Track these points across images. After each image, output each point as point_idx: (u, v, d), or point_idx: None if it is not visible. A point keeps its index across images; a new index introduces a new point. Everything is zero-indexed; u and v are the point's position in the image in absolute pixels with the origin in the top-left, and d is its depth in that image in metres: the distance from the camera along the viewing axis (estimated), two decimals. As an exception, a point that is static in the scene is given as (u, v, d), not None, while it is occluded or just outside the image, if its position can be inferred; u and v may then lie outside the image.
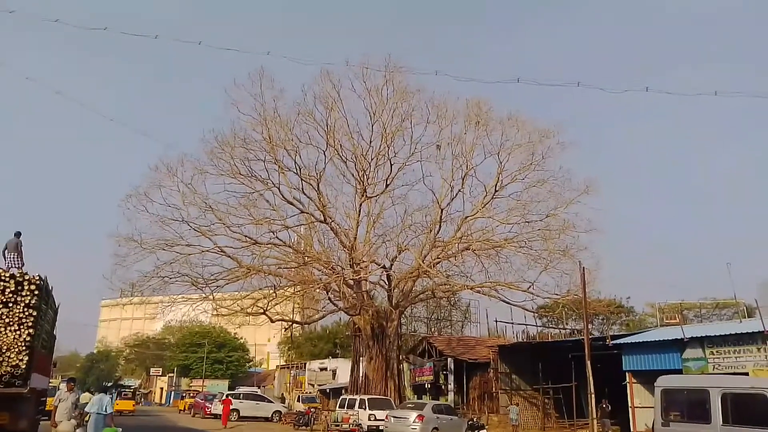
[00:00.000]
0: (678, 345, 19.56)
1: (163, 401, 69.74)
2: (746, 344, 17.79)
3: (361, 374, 30.19)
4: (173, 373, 68.24)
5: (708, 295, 37.70)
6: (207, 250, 26.58)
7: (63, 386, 14.33)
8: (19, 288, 11.73)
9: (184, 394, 54.65)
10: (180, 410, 47.40)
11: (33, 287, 11.87)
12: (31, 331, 11.61)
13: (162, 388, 73.92)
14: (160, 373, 73.22)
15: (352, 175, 28.65)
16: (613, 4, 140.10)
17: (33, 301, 11.79)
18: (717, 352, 18.53)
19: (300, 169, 27.62)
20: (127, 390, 42.01)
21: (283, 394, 52.35)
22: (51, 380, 19.86)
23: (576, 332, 32.86)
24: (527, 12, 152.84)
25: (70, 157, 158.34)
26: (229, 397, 33.55)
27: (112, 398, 15.93)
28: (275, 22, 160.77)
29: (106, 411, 12.85)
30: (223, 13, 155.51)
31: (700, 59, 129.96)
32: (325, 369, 48.70)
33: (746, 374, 16.73)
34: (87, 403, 13.51)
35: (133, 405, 38.10)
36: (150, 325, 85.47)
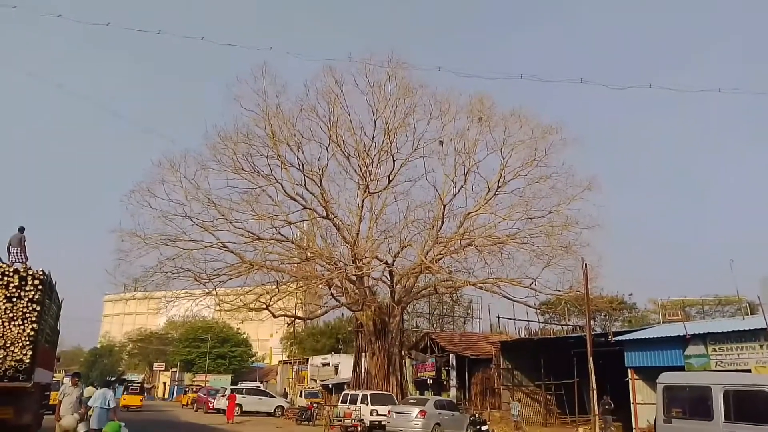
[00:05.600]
0: (680, 342, 19.52)
1: (166, 396, 70.03)
2: (749, 341, 17.75)
3: (363, 370, 30.24)
4: (176, 368, 68.50)
5: (710, 291, 37.58)
6: (210, 246, 26.60)
7: (67, 381, 14.39)
8: (23, 283, 11.77)
9: (187, 389, 54.83)
10: (183, 405, 47.61)
11: (36, 282, 11.91)
12: (34, 325, 11.66)
13: (165, 383, 74.22)
14: (163, 368, 73.46)
15: (355, 171, 28.69)
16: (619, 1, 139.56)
17: (36, 296, 11.83)
18: (719, 349, 18.50)
19: (303, 165, 27.69)
20: (134, 385, 42.63)
21: (285, 389, 52.47)
22: (54, 375, 19.93)
23: (578, 328, 32.82)
24: (531, 8, 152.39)
25: (73, 152, 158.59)
26: (234, 393, 33.41)
27: (115, 393, 15.98)
28: (278, 17, 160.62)
29: (109, 405, 12.88)
30: (226, 9, 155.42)
31: (708, 58, 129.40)
32: (328, 364, 48.76)
33: (749, 371, 16.71)
34: (90, 397, 13.57)
35: (141, 400, 39.30)
36: (153, 320, 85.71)
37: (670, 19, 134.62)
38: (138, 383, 44.04)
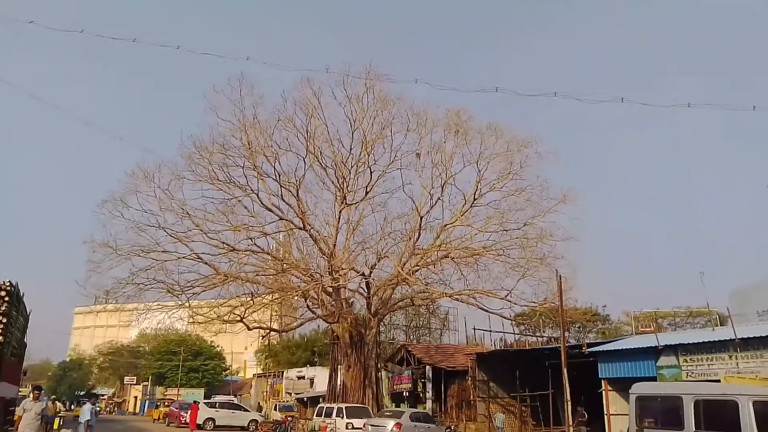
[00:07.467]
0: (652, 353, 19.79)
1: (138, 410, 68.54)
2: (718, 352, 18.07)
3: (339, 382, 30.03)
4: (148, 381, 67.08)
5: (682, 303, 38.30)
6: (183, 257, 26.28)
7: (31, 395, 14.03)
8: (-11, 294, 11.47)
9: (158, 403, 53.76)
10: (154, 419, 46.67)
11: (3, 293, 11.62)
12: (0, 338, 11.35)
13: (136, 397, 72.61)
14: (135, 382, 71.95)
15: (332, 182, 28.64)
16: (594, 15, 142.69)
17: (3, 308, 11.54)
18: (690, 359, 18.79)
19: (279, 176, 27.54)
20: (84, 399, 43.25)
21: (259, 402, 51.77)
22: (21, 389, 19.41)
23: (553, 340, 33.10)
24: (507, 22, 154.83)
25: (43, 160, 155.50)
26: (197, 403, 33.25)
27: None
28: (255, 28, 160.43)
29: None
30: (202, 18, 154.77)
31: (679, 72, 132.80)
32: (303, 377, 48.30)
33: (718, 381, 16.99)
34: (57, 412, 13.41)
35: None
36: (124, 332, 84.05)
37: (643, 35, 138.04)
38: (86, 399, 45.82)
